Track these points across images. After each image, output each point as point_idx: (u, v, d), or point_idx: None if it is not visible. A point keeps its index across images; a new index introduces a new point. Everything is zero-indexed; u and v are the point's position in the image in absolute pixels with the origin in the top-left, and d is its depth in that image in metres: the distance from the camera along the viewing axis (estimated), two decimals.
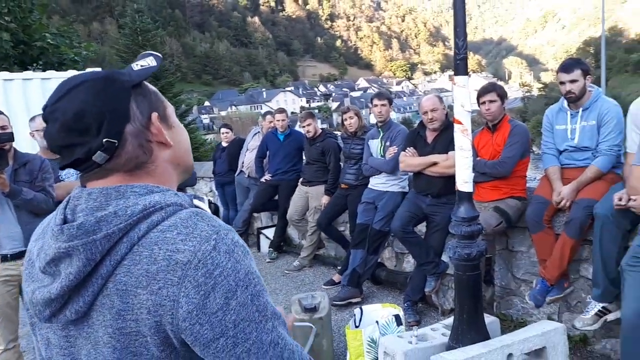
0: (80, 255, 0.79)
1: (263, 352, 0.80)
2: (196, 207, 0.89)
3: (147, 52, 0.96)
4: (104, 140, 0.83)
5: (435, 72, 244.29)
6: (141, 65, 0.91)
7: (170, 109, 0.97)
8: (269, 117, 6.65)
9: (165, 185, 0.90)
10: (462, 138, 2.47)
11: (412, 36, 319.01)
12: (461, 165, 2.50)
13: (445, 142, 3.77)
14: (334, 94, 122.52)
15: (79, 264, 0.79)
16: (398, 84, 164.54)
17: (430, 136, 3.94)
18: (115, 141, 0.84)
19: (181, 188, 4.86)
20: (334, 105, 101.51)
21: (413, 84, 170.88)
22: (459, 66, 2.40)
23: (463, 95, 2.43)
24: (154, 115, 0.90)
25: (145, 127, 0.89)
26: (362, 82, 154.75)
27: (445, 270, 3.95)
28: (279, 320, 0.84)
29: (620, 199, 2.72)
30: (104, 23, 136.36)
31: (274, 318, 0.83)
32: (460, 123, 2.47)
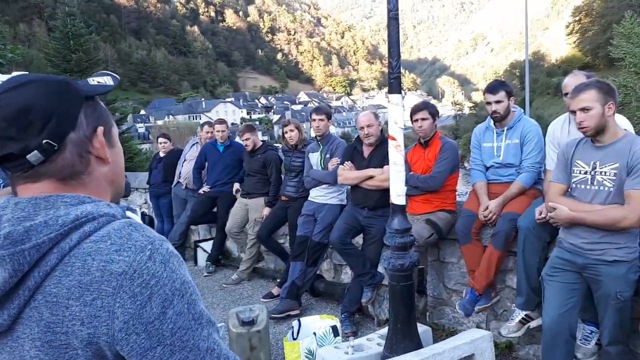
0: (6, 265, 0.76)
1: (200, 359, 0.81)
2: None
3: (105, 71, 0.98)
4: (44, 141, 0.81)
5: (373, 89, 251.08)
6: (97, 82, 0.93)
7: (115, 130, 0.98)
8: (206, 127, 6.56)
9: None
10: (396, 153, 2.57)
11: (351, 53, 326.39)
12: (395, 179, 2.60)
13: (380, 156, 3.89)
14: (275, 107, 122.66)
15: (4, 275, 0.76)
16: (338, 99, 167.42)
17: (366, 151, 4.06)
18: (55, 145, 0.82)
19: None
20: (275, 117, 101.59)
21: (352, 100, 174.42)
22: (393, 85, 2.50)
23: (397, 112, 2.53)
24: (100, 129, 0.90)
25: (89, 138, 0.88)
26: (303, 96, 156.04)
27: (381, 281, 4.04)
28: (214, 327, 0.86)
29: (540, 213, 2.93)
30: (32, 25, 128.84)
31: (209, 325, 0.85)
32: (394, 139, 2.56)
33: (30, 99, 0.81)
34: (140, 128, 72.40)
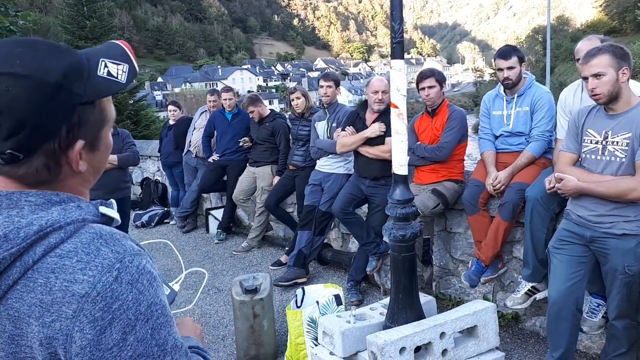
0: None
1: None
2: (103, 214, 0.83)
3: (126, 53, 0.84)
4: (7, 150, 0.73)
5: None
6: (108, 74, 0.81)
7: (106, 130, 0.86)
8: (208, 96, 6.50)
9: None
10: (398, 122, 2.49)
11: (369, 18, 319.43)
12: (397, 149, 2.52)
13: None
14: (291, 74, 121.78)
15: None
16: (355, 65, 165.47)
17: (369, 118, 3.97)
18: (20, 155, 0.74)
19: (122, 167, 4.72)
20: (291, 85, 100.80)
21: (370, 67, 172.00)
22: (395, 50, 2.40)
23: (400, 79, 2.44)
24: (80, 143, 0.79)
25: (63, 150, 0.78)
26: (320, 63, 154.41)
27: (387, 251, 4.02)
28: (180, 352, 0.81)
29: (550, 183, 2.84)
30: None
31: (175, 351, 0.79)
32: (396, 107, 2.48)
33: (4, 99, 0.71)
34: (158, 96, 72.62)
